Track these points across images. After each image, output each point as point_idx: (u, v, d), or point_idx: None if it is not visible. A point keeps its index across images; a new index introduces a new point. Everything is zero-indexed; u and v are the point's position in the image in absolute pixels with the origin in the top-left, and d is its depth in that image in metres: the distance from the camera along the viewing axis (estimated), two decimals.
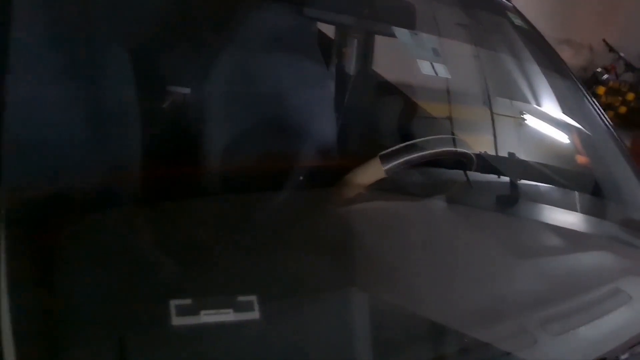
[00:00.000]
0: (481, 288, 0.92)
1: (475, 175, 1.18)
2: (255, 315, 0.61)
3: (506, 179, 1.26)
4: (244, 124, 1.03)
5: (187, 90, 1.06)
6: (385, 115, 1.47)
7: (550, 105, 1.47)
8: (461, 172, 1.16)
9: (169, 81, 1.04)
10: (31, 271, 0.56)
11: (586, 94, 1.42)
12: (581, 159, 1.48)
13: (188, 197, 0.87)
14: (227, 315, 0.60)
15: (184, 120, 1.06)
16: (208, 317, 0.58)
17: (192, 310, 0.58)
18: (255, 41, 1.09)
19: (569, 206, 1.31)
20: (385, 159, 1.00)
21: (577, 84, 1.43)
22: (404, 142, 1.06)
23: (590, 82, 5.21)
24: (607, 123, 1.38)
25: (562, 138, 1.51)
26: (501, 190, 1.25)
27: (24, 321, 0.49)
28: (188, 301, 0.59)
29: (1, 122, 0.56)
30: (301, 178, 1.00)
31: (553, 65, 1.45)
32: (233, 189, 0.92)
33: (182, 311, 0.57)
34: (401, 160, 1.01)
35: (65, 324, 0.56)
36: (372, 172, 1.01)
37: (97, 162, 0.80)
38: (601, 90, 5.26)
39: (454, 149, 1.19)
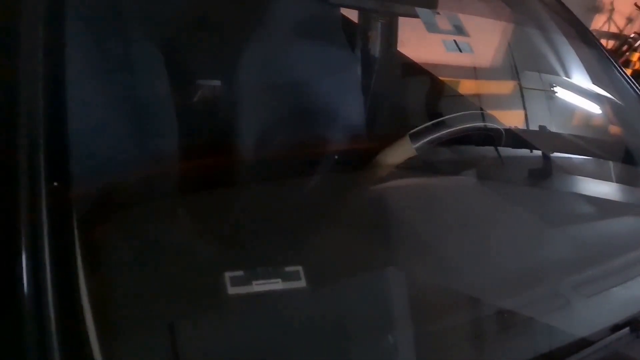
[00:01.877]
0: (516, 257, 0.94)
1: (506, 151, 1.19)
2: (301, 284, 0.66)
3: (537, 152, 1.27)
4: (275, 113, 1.06)
5: (217, 83, 1.10)
6: (413, 96, 1.47)
7: (579, 77, 1.47)
8: (491, 148, 1.16)
9: (200, 75, 1.07)
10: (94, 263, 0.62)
11: (615, 63, 1.41)
12: (614, 128, 1.48)
13: (226, 185, 0.91)
14: (276, 284, 0.65)
15: (217, 112, 1.10)
16: (259, 286, 0.64)
17: (245, 281, 0.64)
18: (281, 30, 1.10)
19: (601, 176, 1.32)
20: (414, 137, 1.01)
21: (605, 53, 1.42)
22: (433, 120, 1.08)
23: (623, 48, 5.07)
24: (637, 91, 1.37)
25: (593, 109, 1.50)
26: (532, 163, 1.26)
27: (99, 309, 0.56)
28: (240, 273, 0.64)
29: (65, 124, 0.61)
30: (335, 160, 1.03)
31: (580, 36, 1.44)
32: (269, 175, 0.95)
33: (236, 282, 0.63)
34: (430, 137, 1.03)
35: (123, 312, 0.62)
36: (403, 151, 1.02)
37: (142, 156, 0.85)
38: (635, 56, 5.11)
39: (482, 124, 1.20)
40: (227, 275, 0.64)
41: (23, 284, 0.50)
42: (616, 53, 5.06)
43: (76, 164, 0.61)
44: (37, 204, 0.53)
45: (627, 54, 5.08)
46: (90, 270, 0.55)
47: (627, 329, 0.84)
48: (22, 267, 0.51)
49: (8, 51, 0.62)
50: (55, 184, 0.55)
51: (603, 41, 5.15)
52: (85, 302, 0.52)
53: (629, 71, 4.90)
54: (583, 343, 0.80)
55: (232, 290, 0.63)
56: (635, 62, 5.06)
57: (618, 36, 5.30)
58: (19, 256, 0.51)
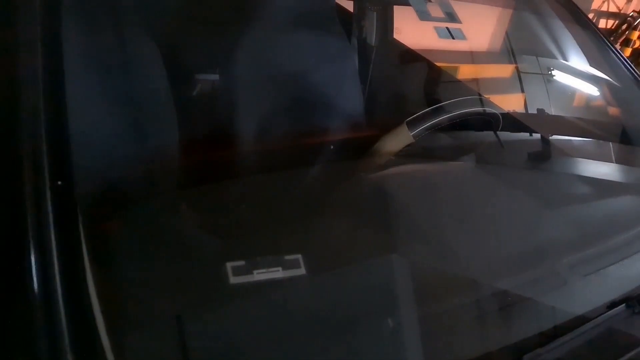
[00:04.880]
0: (515, 239, 0.96)
1: (504, 134, 1.19)
2: (301, 271, 0.68)
3: (535, 135, 1.28)
4: (274, 104, 1.06)
5: (215, 77, 1.11)
6: (411, 83, 1.48)
7: (576, 59, 1.47)
8: (489, 132, 1.17)
9: (198, 69, 1.08)
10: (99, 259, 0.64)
11: (611, 45, 1.41)
12: (612, 109, 1.48)
13: (228, 177, 0.92)
14: (277, 273, 0.67)
15: (216, 105, 1.10)
16: (260, 275, 0.66)
17: (246, 270, 0.65)
18: (277, 21, 1.10)
19: (599, 157, 1.33)
20: (411, 124, 1.02)
21: (601, 36, 1.42)
22: (431, 107, 1.09)
23: (623, 27, 5.04)
24: (634, 73, 1.38)
25: (591, 90, 1.51)
26: (531, 146, 1.27)
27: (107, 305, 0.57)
28: (241, 262, 0.66)
29: (66, 123, 0.62)
30: (333, 150, 1.04)
31: (575, 18, 1.44)
32: (269, 166, 0.96)
33: (238, 271, 0.65)
34: (428, 124, 1.03)
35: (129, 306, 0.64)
36: (400, 138, 1.03)
37: (143, 151, 0.85)
38: (635, 35, 5.08)
39: (479, 108, 1.20)
40: (229, 265, 0.65)
41: (32, 281, 0.52)
42: (616, 32, 5.03)
43: (79, 162, 0.62)
44: (43, 202, 0.55)
45: (627, 32, 5.04)
46: (96, 265, 0.56)
47: (623, 306, 0.85)
48: (30, 264, 0.52)
49: (7, 51, 0.63)
50: (59, 182, 0.56)
51: (602, 21, 5.12)
52: (94, 297, 0.54)
53: (629, 50, 4.87)
54: (581, 320, 0.82)
55: (233, 279, 0.65)
56: (635, 40, 5.02)
57: (617, 15, 5.26)
58: (27, 254, 0.53)
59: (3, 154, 0.59)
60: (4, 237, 0.55)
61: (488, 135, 1.17)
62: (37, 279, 0.52)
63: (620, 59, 1.38)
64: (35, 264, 0.52)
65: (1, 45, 0.64)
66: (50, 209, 0.54)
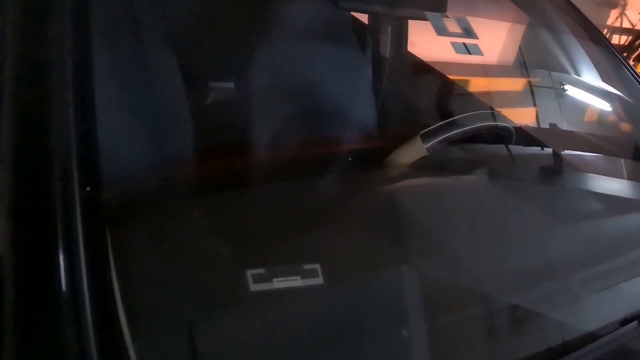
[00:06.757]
0: (527, 254, 0.96)
1: (517, 149, 1.20)
2: (319, 281, 0.69)
3: (547, 150, 1.29)
4: (289, 114, 1.08)
5: (230, 85, 1.13)
6: (424, 95, 1.49)
7: (588, 75, 1.48)
8: (502, 146, 1.18)
9: (213, 77, 1.10)
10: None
11: (624, 61, 1.42)
12: (624, 125, 1.49)
13: (242, 185, 0.94)
14: (296, 282, 0.68)
15: (231, 113, 1.12)
16: (279, 283, 0.68)
17: (266, 278, 0.67)
18: (293, 32, 1.12)
19: (611, 173, 1.33)
20: (426, 137, 1.04)
21: (613, 51, 1.43)
22: (444, 120, 1.10)
23: (636, 43, 5.03)
24: None
25: (603, 106, 1.51)
26: (543, 161, 1.27)
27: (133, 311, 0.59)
28: (262, 270, 0.67)
29: (94, 134, 0.65)
30: (348, 160, 1.06)
31: (588, 34, 1.45)
32: (284, 175, 0.97)
33: (258, 279, 0.66)
34: (441, 137, 1.05)
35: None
36: (414, 151, 1.05)
37: (164, 159, 0.88)
38: None
39: (493, 123, 1.21)
40: (249, 272, 0.67)
41: (61, 282, 0.54)
42: (629, 48, 5.02)
43: (105, 170, 0.64)
44: (72, 208, 0.57)
45: None
46: (121, 267, 0.58)
47: (635, 323, 0.85)
48: (59, 266, 0.55)
49: (40, 65, 0.65)
50: (88, 189, 0.59)
51: (616, 36, 5.12)
52: (118, 298, 0.56)
53: None
54: (592, 337, 0.82)
55: (254, 287, 0.66)
56: None
57: (631, 31, 5.26)
58: (57, 255, 0.55)
59: (36, 164, 0.61)
60: (36, 240, 0.57)
61: (500, 149, 1.18)
62: (65, 280, 0.54)
63: (633, 75, 1.39)
64: (64, 265, 0.55)
65: (34, 59, 0.66)
66: (79, 214, 0.56)
